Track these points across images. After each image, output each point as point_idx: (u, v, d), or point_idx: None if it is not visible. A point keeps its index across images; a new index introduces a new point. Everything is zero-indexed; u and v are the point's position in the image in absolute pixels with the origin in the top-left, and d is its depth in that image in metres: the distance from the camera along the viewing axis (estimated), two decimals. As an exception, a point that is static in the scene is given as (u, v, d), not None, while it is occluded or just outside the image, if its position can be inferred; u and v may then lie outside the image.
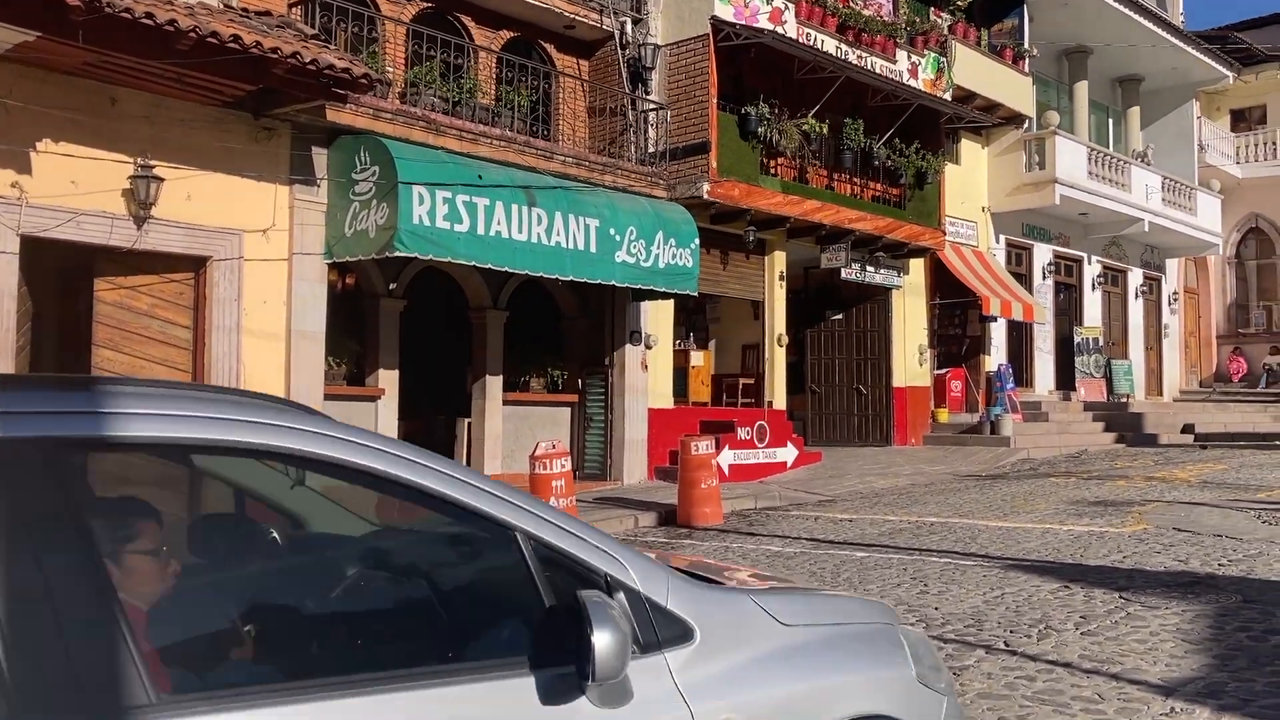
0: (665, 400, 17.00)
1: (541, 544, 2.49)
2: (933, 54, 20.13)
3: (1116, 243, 27.00)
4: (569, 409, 16.43)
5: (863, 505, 13.68)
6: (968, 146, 22.92)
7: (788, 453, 17.61)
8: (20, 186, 9.95)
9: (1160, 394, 28.93)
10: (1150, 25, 25.20)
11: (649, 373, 16.51)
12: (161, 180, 10.63)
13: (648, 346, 16.50)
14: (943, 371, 21.94)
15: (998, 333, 22.84)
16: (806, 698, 2.86)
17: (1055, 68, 26.22)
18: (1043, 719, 5.18)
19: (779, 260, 18.55)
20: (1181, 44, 26.69)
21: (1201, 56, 27.64)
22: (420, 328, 15.94)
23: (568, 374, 16.56)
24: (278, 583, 2.63)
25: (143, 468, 2.39)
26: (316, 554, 2.85)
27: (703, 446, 13.07)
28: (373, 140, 11.96)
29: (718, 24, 16.11)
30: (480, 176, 12.46)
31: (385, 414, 13.98)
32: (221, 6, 10.93)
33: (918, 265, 21.22)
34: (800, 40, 17.10)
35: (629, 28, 16.45)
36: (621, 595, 2.53)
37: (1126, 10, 24.21)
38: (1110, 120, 28.75)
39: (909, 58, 19.57)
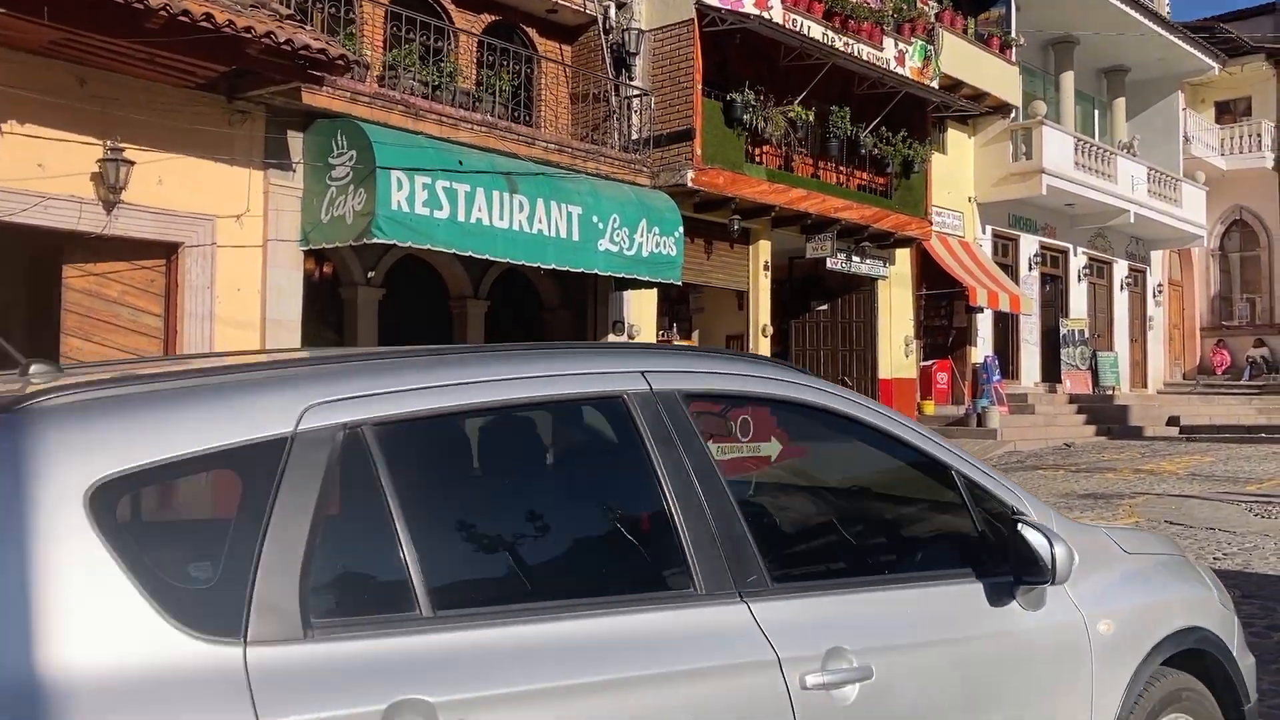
0: (649, 391, 16.74)
1: (970, 481, 3.21)
2: (920, 42, 19.92)
3: (1102, 234, 26.91)
4: (551, 400, 16.14)
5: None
6: (954, 136, 22.74)
7: (771, 447, 17.26)
8: (-16, 169, 9.65)
9: (1145, 386, 28.85)
10: (1137, 15, 25.04)
11: (632, 363, 16.25)
12: (132, 164, 10.32)
13: (630, 337, 16.26)
14: (929, 363, 21.78)
15: (984, 324, 22.69)
16: (1151, 610, 3.57)
17: (1041, 58, 26.07)
18: None
19: (764, 250, 18.32)
20: (1168, 34, 26.56)
21: (1188, 47, 27.52)
22: (399, 317, 15.68)
23: (550, 365, 16.28)
24: (820, 506, 3.79)
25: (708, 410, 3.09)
26: (833, 489, 3.86)
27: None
28: (350, 124, 11.67)
29: (703, 9, 15.84)
30: (461, 162, 12.19)
31: (363, 405, 13.68)
32: (193, -15, 10.62)
33: (904, 255, 21.03)
34: (786, 26, 16.84)
35: (612, 12, 16.19)
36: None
37: (1113, -1, 24.09)
38: (1096, 111, 28.61)
39: (896, 45, 19.35)
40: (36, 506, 1.93)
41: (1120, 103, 28.65)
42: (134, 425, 2.10)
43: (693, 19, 15.86)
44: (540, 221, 12.86)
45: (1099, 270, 27.54)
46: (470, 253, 12.37)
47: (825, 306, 21.02)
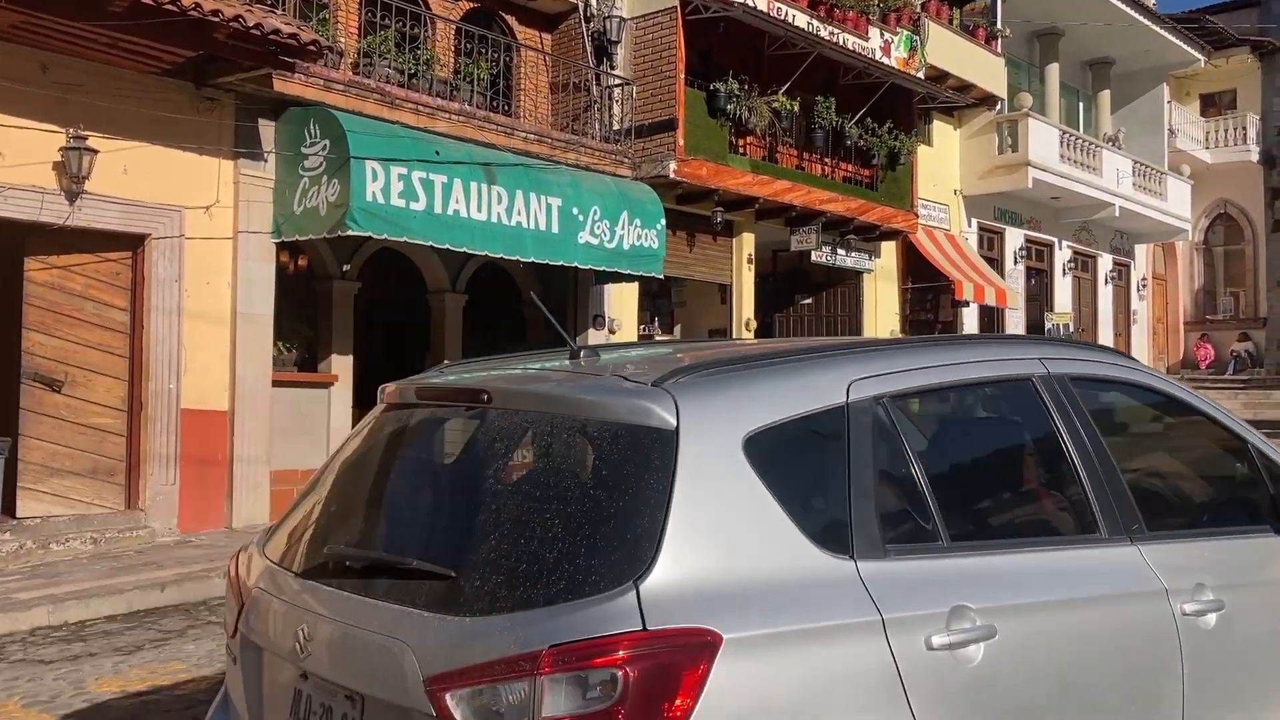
0: (631, 387, 16.45)
1: (1260, 452, 3.87)
2: (905, 32, 19.65)
3: (1087, 228, 26.74)
4: (531, 395, 15.83)
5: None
6: (940, 128, 22.49)
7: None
8: (-61, 157, 9.29)
9: (1129, 380, 28.66)
10: (1124, 6, 24.86)
11: (614, 358, 15.96)
12: (95, 152, 9.97)
13: (611, 331, 15.96)
14: (913, 357, 21.52)
15: (970, 318, 22.46)
16: None
17: (1026, 50, 25.85)
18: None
19: (747, 242, 18.04)
20: (1154, 25, 26.39)
21: (1173, 39, 27.36)
22: (376, 312, 15.35)
23: (530, 359, 15.98)
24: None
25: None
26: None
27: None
28: (323, 112, 11.33)
29: (686, -3, 15.53)
30: (438, 152, 11.86)
31: (339, 402, 13.36)
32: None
33: (889, 248, 20.79)
34: (771, 15, 16.53)
35: (594, 0, 15.86)
36: None
37: (1099, -10, 23.88)
38: (1081, 104, 28.44)
39: (881, 35, 19.08)
40: (712, 450, 2.56)
41: (1105, 95, 28.48)
42: (757, 394, 2.77)
43: (675, 7, 15.53)
44: (519, 213, 12.55)
45: (1084, 264, 27.37)
46: (447, 245, 12.05)
47: (809, 300, 20.76)
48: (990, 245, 23.96)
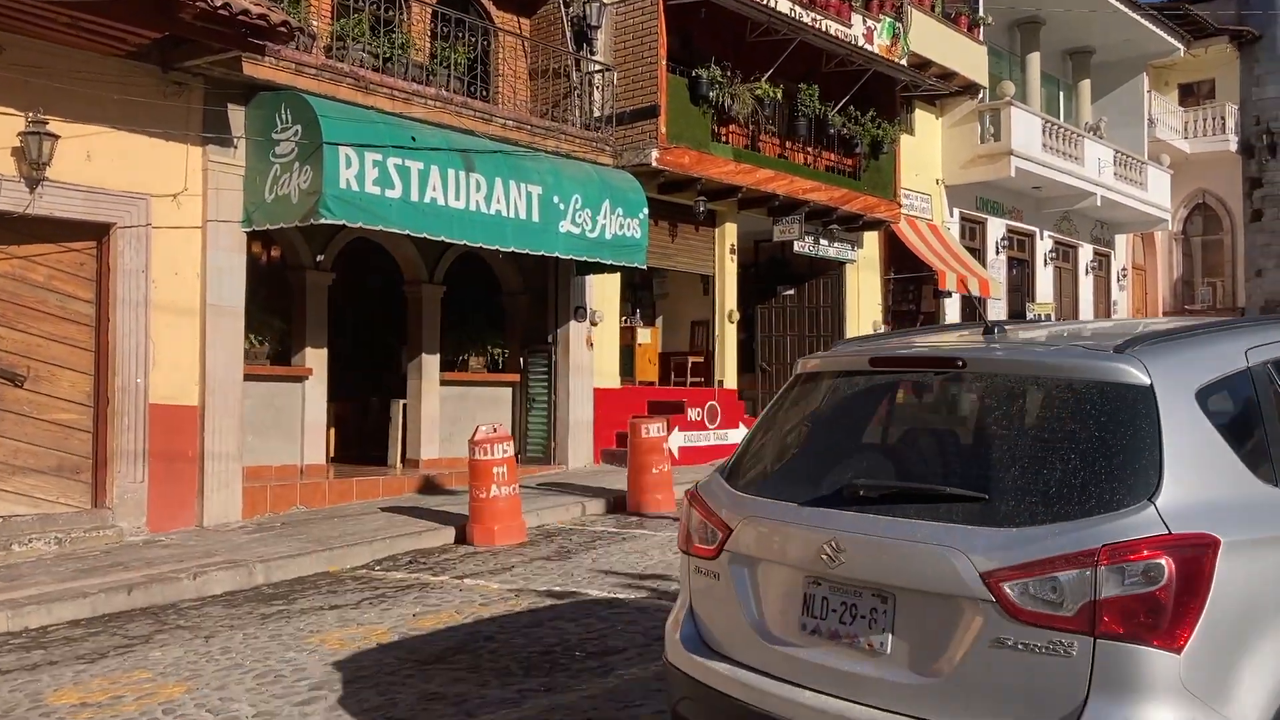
0: (611, 380, 16.17)
1: None
2: (888, 19, 19.41)
3: (1068, 218, 26.61)
4: (510, 389, 15.53)
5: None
6: (922, 117, 22.26)
7: (739, 434, 16.84)
8: (-108, 142, 8.88)
9: (1110, 371, 28.59)
10: (1105, -5, 24.70)
11: (594, 351, 15.65)
12: (56, 138, 9.57)
13: (593, 323, 15.64)
14: (896, 348, 21.29)
15: (952, 308, 22.25)
16: None
17: (1007, 38, 25.64)
18: None
19: (730, 233, 17.76)
20: (1134, 14, 26.23)
21: (1154, 28, 27.23)
22: (351, 303, 15.00)
23: (509, 352, 15.66)
24: None
25: None
26: None
27: (653, 429, 12.30)
28: (295, 96, 10.94)
29: (667, -19, 15.19)
30: (414, 139, 11.50)
31: (313, 395, 13.01)
32: (123, -55, 9.85)
33: (872, 239, 20.55)
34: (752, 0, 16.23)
35: (573, -16, 15.51)
36: None
37: (1081, -22, 23.66)
38: (1061, 93, 28.28)
39: (864, 22, 18.83)
40: (1178, 399, 3.18)
41: (1085, 84, 28.33)
42: (1190, 358, 3.39)
43: (656, -9, 15.20)
44: (498, 202, 12.21)
45: (1065, 254, 27.24)
46: (424, 234, 11.70)
47: (791, 291, 20.50)
48: (972, 235, 23.78)
